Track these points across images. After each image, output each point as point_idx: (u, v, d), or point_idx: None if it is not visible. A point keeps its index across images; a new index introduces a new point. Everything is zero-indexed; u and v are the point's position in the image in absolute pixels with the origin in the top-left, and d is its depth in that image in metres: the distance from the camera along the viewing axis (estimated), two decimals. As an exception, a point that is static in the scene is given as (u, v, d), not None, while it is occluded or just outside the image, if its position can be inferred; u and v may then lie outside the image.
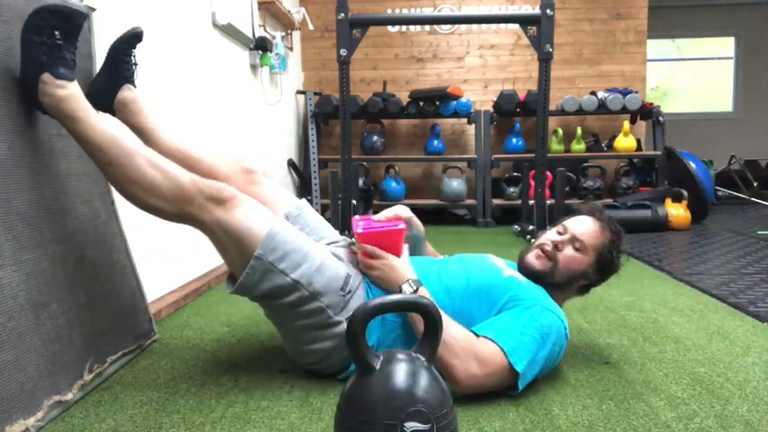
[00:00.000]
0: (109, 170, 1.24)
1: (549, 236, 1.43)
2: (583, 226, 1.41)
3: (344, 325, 1.27)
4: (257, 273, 1.23)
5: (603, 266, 1.40)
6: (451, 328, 1.19)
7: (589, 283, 1.43)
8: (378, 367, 0.89)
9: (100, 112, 1.40)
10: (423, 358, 0.92)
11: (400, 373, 0.89)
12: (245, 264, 1.23)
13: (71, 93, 1.22)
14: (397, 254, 1.34)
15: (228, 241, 1.24)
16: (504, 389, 1.22)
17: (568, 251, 1.38)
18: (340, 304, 1.28)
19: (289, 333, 1.33)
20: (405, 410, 0.85)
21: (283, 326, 1.33)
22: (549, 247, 1.39)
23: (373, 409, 0.86)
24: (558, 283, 1.39)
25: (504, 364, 1.18)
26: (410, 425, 0.84)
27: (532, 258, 1.41)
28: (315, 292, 1.25)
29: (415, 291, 1.26)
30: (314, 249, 1.30)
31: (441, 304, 1.22)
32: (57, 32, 1.20)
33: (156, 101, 2.01)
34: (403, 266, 1.31)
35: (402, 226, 1.37)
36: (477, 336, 1.22)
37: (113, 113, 1.44)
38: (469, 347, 1.18)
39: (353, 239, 1.40)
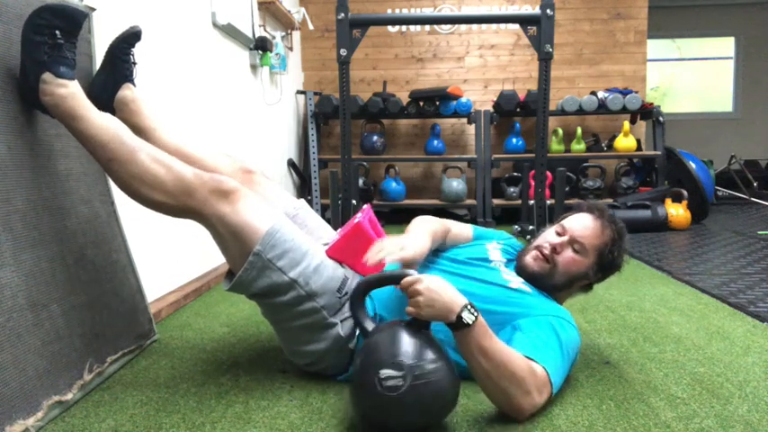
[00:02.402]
0: (111, 166, 1.23)
1: (548, 237, 1.39)
2: (582, 226, 1.36)
3: (339, 327, 1.26)
4: (255, 269, 1.22)
5: (605, 266, 1.37)
6: (520, 363, 1.09)
7: (591, 282, 1.41)
8: (371, 330, 1.12)
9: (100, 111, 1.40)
10: (414, 325, 1.08)
11: (387, 333, 1.08)
12: (243, 259, 1.22)
13: (72, 91, 1.22)
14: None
15: (229, 235, 1.23)
16: None
17: (567, 253, 1.34)
18: (336, 306, 1.27)
19: (284, 333, 1.33)
20: (384, 361, 1.01)
21: (279, 325, 1.33)
22: (546, 251, 1.35)
23: (363, 362, 1.06)
24: (558, 284, 1.37)
25: (549, 387, 1.14)
26: (385, 372, 1.00)
27: (530, 260, 1.37)
28: (311, 292, 1.24)
29: (476, 317, 1.07)
30: (313, 249, 1.29)
31: None
32: (57, 32, 1.20)
33: (156, 101, 2.01)
34: (444, 290, 1.08)
35: (358, 218, 1.34)
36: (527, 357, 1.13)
37: (113, 113, 1.44)
38: (533, 379, 1.10)
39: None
